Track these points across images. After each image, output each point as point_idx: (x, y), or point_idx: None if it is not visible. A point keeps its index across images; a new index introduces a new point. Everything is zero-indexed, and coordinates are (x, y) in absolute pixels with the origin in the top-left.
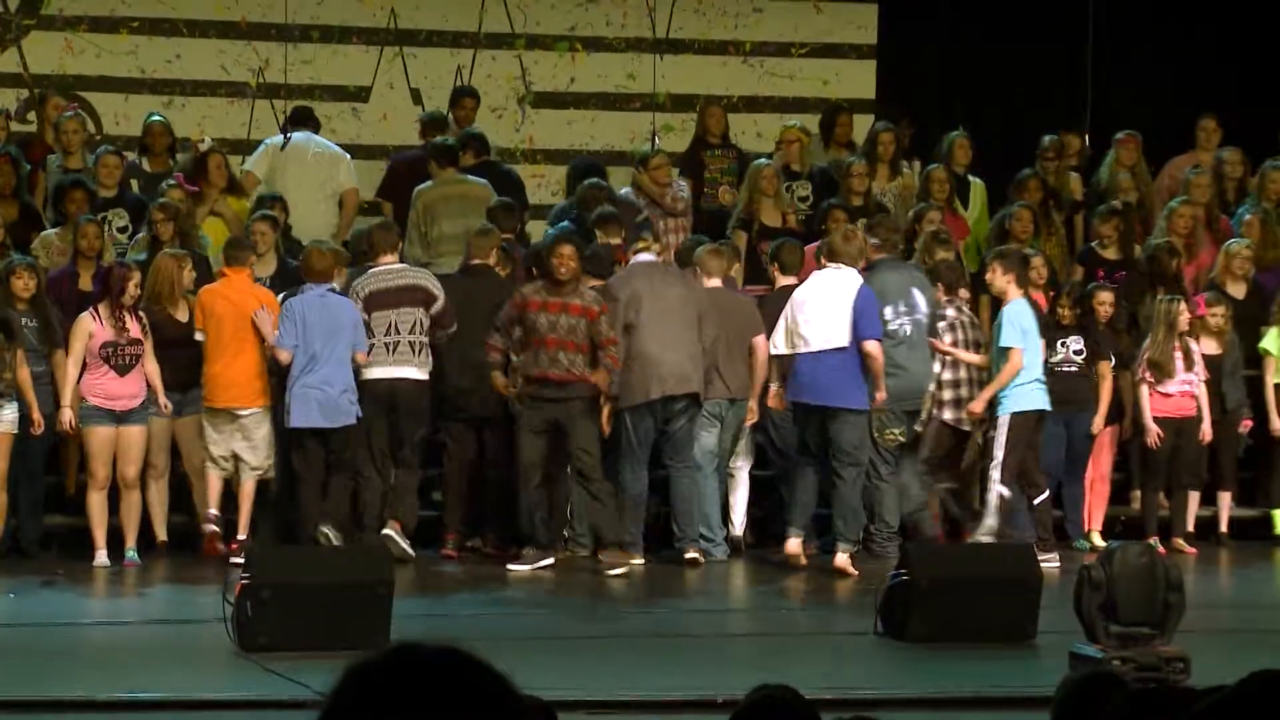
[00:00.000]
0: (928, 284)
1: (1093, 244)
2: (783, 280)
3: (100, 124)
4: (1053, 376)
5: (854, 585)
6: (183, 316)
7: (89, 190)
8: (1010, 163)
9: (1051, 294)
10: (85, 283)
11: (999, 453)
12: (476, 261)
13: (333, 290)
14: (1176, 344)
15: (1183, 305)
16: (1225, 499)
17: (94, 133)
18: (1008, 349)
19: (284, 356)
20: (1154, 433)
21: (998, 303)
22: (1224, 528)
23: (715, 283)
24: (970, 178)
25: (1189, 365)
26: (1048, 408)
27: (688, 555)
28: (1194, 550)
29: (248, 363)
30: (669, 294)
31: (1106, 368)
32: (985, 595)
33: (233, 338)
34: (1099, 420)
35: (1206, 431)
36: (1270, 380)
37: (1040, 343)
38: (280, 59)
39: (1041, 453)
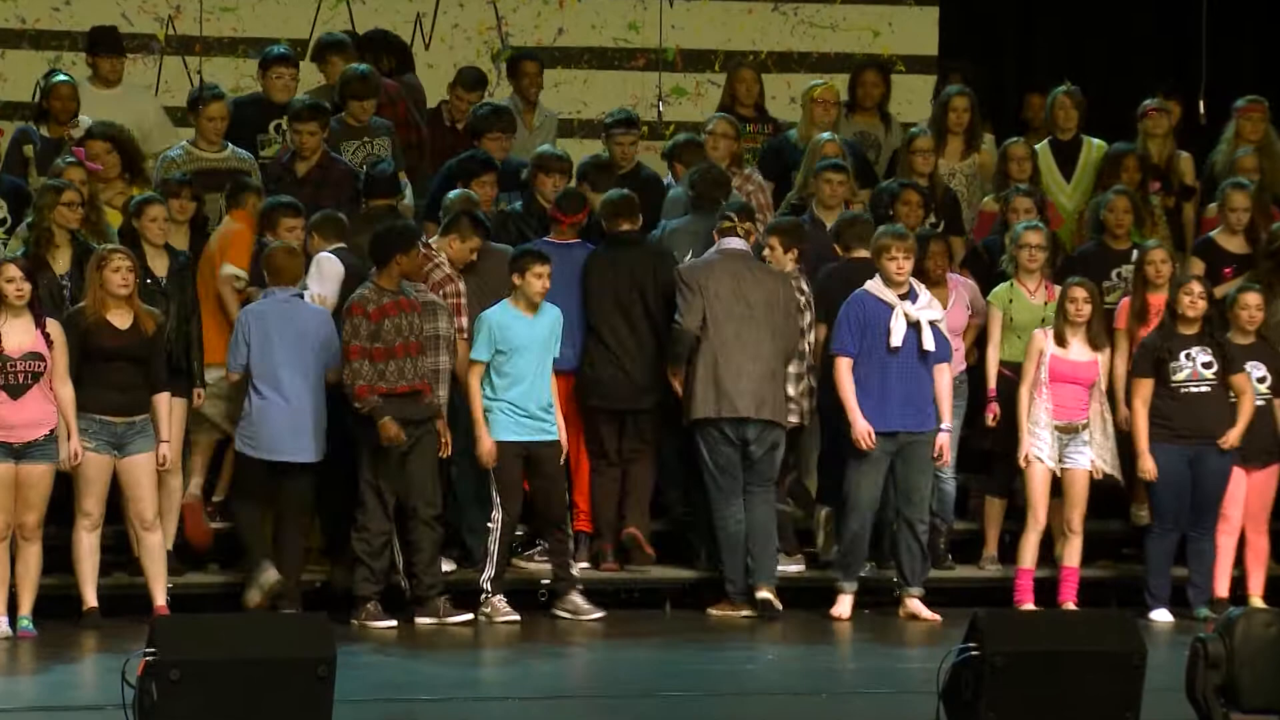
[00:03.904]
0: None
1: (1212, 233)
2: None
3: None
4: (1174, 401)
5: (913, 662)
6: (121, 324)
7: None
8: (1104, 137)
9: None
10: None
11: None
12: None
13: (300, 296)
14: None
15: None
16: None
17: None
18: None
19: (232, 380)
20: None
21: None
22: None
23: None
24: (1085, 138)
25: None
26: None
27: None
28: None
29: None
30: (752, 294)
31: (1245, 380)
32: (1075, 675)
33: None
34: (1234, 434)
35: None
36: None
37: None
38: (194, 6)
39: (1160, 497)
